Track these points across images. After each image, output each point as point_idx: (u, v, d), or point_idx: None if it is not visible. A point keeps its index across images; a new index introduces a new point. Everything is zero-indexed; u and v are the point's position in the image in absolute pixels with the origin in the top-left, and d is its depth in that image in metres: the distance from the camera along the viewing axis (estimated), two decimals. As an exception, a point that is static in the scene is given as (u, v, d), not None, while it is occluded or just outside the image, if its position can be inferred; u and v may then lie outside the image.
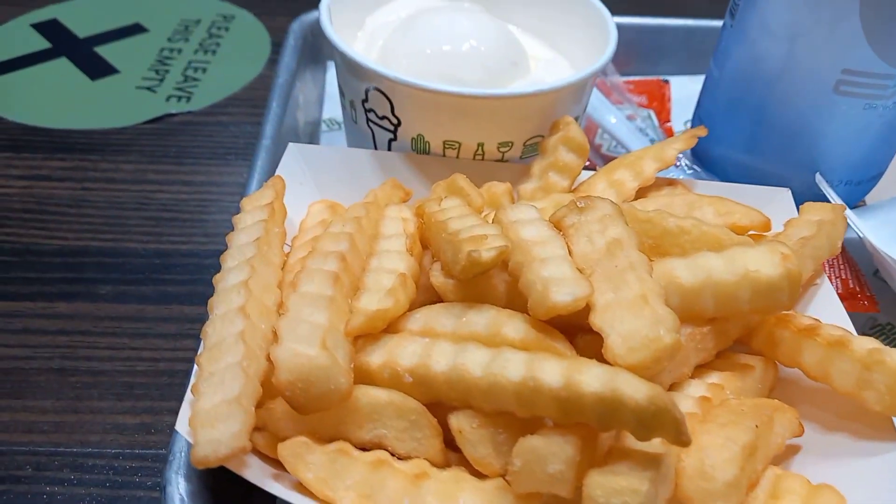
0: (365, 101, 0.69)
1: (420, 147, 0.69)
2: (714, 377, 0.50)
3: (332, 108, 0.93)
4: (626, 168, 0.66)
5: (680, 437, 0.39)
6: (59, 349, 0.65)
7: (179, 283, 0.71)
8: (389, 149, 0.71)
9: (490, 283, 0.51)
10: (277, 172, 0.64)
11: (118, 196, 0.80)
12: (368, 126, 0.71)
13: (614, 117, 0.85)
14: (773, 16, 0.68)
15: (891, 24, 0.63)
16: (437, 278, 0.52)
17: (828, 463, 0.48)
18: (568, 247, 0.50)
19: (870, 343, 0.48)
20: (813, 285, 0.59)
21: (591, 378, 0.41)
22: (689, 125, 0.93)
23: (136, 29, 1.11)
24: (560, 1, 0.78)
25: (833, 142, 0.71)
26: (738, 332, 0.52)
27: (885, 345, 0.68)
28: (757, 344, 0.54)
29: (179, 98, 0.97)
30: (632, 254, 0.48)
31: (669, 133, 0.92)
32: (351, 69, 0.67)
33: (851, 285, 0.68)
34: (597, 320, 0.45)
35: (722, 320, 0.51)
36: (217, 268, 0.51)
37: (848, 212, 0.67)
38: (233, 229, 0.56)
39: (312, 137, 0.89)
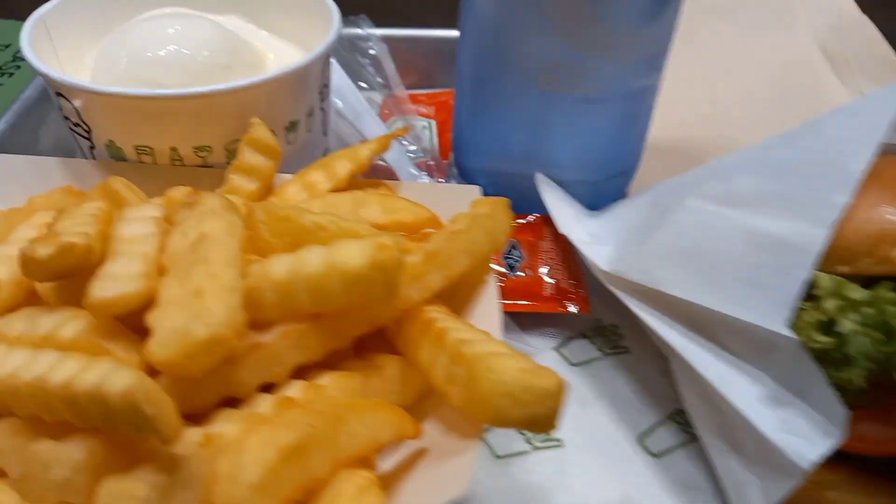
0: (60, 107, 0.66)
1: (114, 153, 0.66)
2: (326, 378, 0.48)
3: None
4: (320, 169, 0.64)
5: (162, 435, 0.36)
6: None
7: None
8: (93, 157, 0.68)
9: (85, 285, 0.48)
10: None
11: None
12: (71, 132, 0.68)
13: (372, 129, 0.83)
14: (482, 16, 0.67)
15: (576, 15, 0.62)
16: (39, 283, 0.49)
17: (423, 464, 0.46)
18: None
19: (467, 334, 0.46)
20: (481, 283, 0.56)
21: (91, 375, 0.38)
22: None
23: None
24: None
25: (558, 140, 0.70)
26: (357, 330, 0.49)
27: (606, 347, 0.66)
28: (399, 343, 0.51)
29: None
30: (214, 248, 0.45)
31: (446, 144, 0.89)
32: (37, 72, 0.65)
33: (563, 286, 0.66)
34: (150, 318, 0.42)
35: (331, 317, 0.48)
36: None
37: (554, 212, 0.66)
38: None
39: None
